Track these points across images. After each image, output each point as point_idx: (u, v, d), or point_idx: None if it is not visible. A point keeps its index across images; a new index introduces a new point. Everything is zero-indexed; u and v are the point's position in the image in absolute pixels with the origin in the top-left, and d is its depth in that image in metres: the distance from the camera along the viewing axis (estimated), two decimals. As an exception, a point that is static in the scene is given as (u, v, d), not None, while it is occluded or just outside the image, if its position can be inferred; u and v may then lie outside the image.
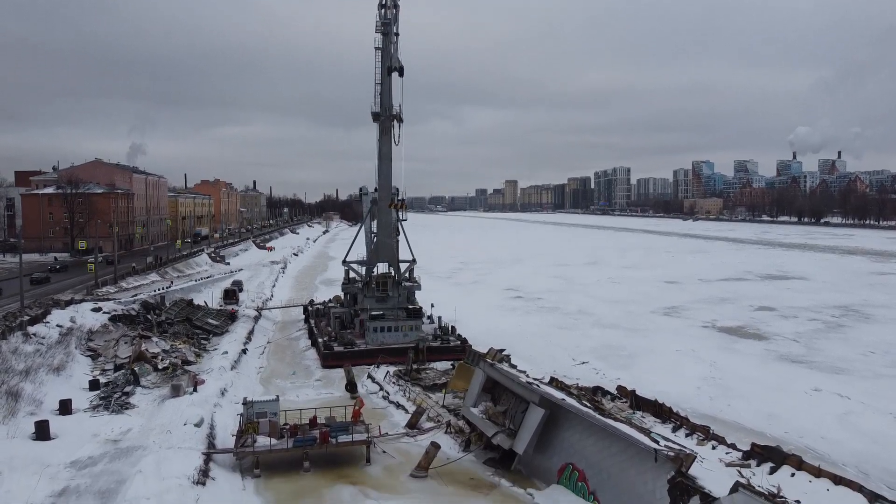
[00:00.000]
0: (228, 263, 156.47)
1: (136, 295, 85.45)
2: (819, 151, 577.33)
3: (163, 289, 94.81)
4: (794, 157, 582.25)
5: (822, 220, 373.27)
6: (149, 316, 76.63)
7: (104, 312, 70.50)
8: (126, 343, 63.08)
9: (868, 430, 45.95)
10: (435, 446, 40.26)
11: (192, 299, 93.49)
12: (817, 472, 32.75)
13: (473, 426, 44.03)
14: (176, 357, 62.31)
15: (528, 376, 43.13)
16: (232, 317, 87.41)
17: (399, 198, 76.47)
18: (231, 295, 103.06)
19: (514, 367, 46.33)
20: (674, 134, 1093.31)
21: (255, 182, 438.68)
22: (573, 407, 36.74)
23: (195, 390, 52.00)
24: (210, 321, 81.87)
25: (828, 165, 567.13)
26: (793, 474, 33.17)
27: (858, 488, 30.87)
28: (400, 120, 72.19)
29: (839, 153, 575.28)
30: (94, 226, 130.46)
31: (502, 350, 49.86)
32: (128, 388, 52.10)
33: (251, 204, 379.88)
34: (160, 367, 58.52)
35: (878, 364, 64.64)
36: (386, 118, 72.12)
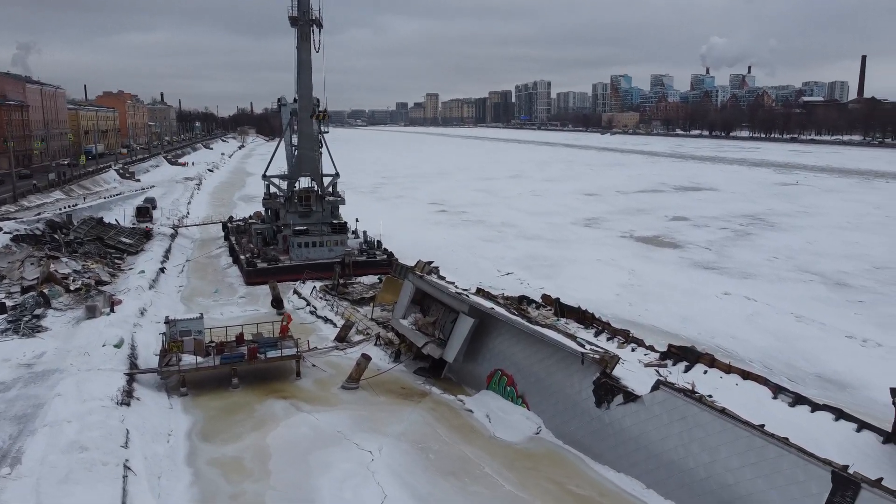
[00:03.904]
0: (139, 180, 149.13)
1: (39, 214, 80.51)
2: (734, 66, 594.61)
3: (69, 207, 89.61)
4: (708, 71, 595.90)
5: (731, 134, 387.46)
6: (56, 236, 72.56)
7: (5, 232, 66.27)
8: (32, 264, 59.63)
9: (772, 329, 49.24)
10: (365, 358, 40.51)
11: (101, 217, 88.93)
12: (727, 369, 34.71)
13: (403, 337, 44.46)
14: (89, 277, 59.53)
15: (456, 287, 43.50)
16: (147, 235, 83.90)
17: (320, 109, 73.59)
18: (144, 213, 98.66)
19: (442, 278, 46.55)
20: (595, 47, 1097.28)
21: (162, 94, 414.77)
22: (502, 315, 37.43)
23: (112, 311, 50.05)
24: (123, 240, 78.30)
25: (738, 80, 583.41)
26: (706, 371, 35.01)
27: (764, 381, 32.98)
28: (319, 25, 68.54)
29: (749, 68, 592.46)
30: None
31: (430, 262, 49.79)
32: (38, 311, 49.55)
33: (160, 117, 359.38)
34: (72, 288, 55.81)
35: (781, 268, 68.81)
36: (304, 23, 68.29)
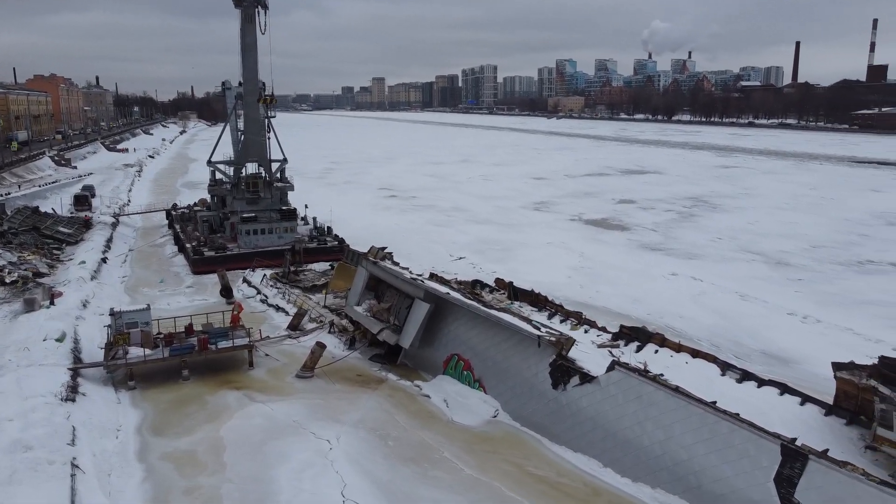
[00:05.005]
0: (76, 167, 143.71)
1: (-32, 203, 76.75)
2: (676, 50, 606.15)
3: (1, 196, 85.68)
4: (650, 56, 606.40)
5: (673, 118, 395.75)
6: (-13, 226, 69.30)
7: (-68, 223, 62.87)
8: (-37, 256, 56.89)
9: (718, 307, 50.68)
10: (320, 346, 40.01)
11: (37, 206, 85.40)
12: (678, 348, 35.58)
13: (357, 324, 44.07)
14: (25, 269, 57.16)
15: (411, 273, 43.29)
16: (86, 224, 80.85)
17: (267, 92, 71.92)
18: (83, 201, 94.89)
19: (396, 264, 46.24)
20: (540, 31, 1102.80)
21: (97, 78, 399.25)
22: (458, 300, 37.42)
23: (52, 303, 48.07)
24: (61, 229, 75.30)
25: (680, 65, 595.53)
26: (657, 351, 35.81)
27: (713, 359, 33.94)
28: (265, 6, 66.75)
29: (689, 53, 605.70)
30: None
31: (384, 248, 49.41)
32: (-28, 306, 47.35)
33: (96, 102, 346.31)
34: (8, 280, 53.54)
35: (725, 249, 70.83)
36: (249, 4, 66.42)
